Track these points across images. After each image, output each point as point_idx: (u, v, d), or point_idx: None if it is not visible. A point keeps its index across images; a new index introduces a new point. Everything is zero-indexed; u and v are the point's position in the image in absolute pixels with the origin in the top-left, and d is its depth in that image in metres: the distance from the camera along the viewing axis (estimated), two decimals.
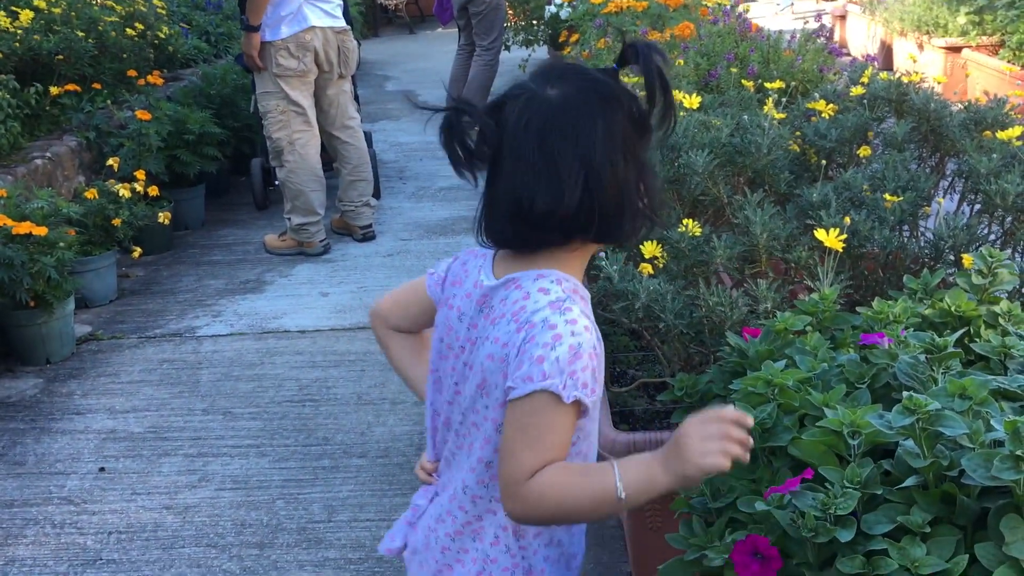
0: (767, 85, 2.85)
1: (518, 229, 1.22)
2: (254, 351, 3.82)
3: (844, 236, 1.93)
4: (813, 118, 2.74)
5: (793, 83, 3.27)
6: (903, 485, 1.21)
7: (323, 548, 2.60)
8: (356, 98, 5.25)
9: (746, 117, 2.47)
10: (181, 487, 2.92)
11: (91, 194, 4.10)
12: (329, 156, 4.99)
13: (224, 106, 5.56)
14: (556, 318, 1.18)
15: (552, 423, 1.17)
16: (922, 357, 1.43)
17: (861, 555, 1.15)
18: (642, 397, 2.61)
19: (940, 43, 7.28)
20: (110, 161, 4.35)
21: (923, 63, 7.07)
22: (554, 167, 1.17)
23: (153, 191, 4.32)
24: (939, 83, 2.92)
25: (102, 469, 3.03)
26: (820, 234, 1.93)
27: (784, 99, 3.08)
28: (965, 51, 7.04)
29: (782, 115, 2.67)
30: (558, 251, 1.24)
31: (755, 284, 2.00)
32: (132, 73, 5.08)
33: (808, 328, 1.73)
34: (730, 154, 2.34)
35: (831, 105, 2.76)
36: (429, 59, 10.30)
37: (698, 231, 2.07)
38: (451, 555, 1.34)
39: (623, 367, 2.65)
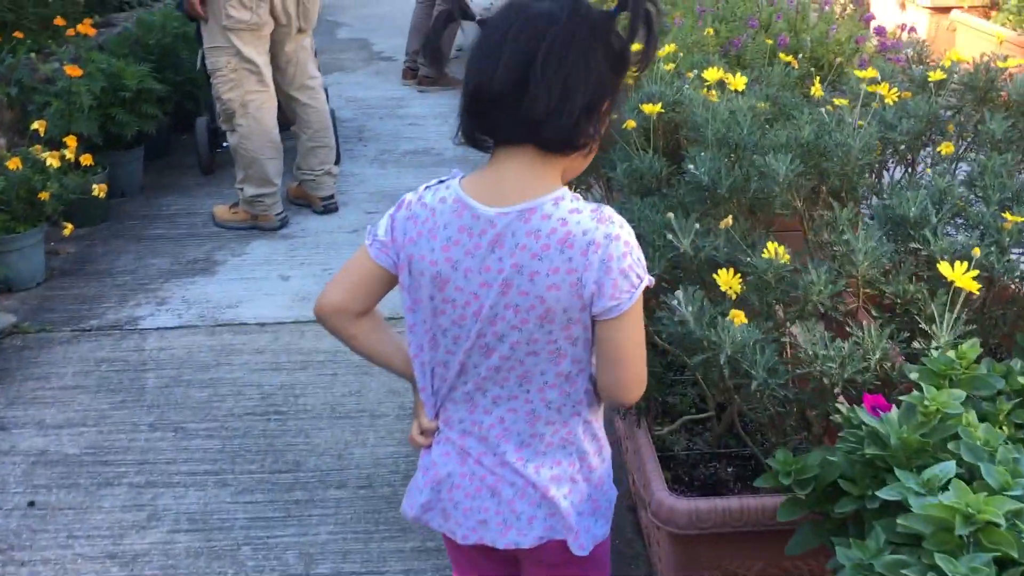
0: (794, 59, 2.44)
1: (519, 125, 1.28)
2: (207, 349, 3.35)
3: (975, 273, 1.55)
4: (874, 104, 2.35)
5: (837, 58, 2.87)
6: None
7: None
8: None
9: (824, 111, 2.07)
10: (127, 528, 2.48)
11: (14, 164, 3.55)
12: (286, 117, 4.47)
13: (164, 57, 4.97)
14: (612, 228, 1.29)
15: (642, 317, 1.36)
16: None
17: None
18: (679, 432, 2.23)
19: (926, 2, 6.93)
20: (35, 124, 3.78)
21: (905, 23, 6.72)
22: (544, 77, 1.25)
23: (86, 160, 3.77)
24: None
25: (31, 503, 2.57)
26: (946, 270, 1.55)
27: (829, 77, 2.69)
28: (954, 12, 6.71)
29: (843, 101, 2.27)
30: (542, 167, 1.31)
31: (855, 326, 1.61)
32: (60, 22, 4.47)
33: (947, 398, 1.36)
34: (810, 156, 1.93)
35: (893, 89, 2.37)
36: (383, 3, 9.65)
37: (786, 258, 1.68)
38: (542, 466, 1.43)
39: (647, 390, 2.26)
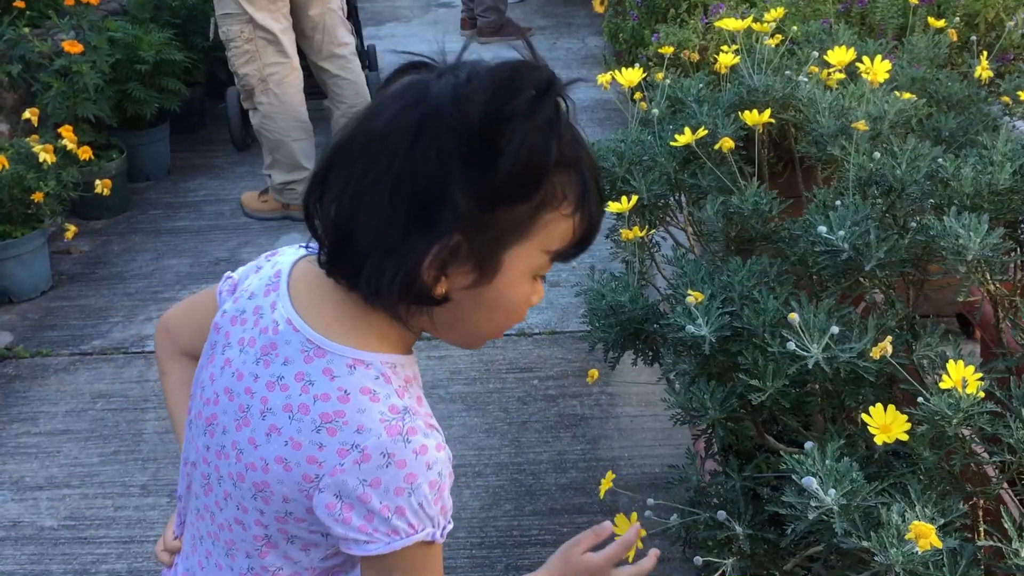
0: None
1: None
2: None
3: None
4: None
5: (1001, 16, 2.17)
6: None
7: None
8: (353, 11, 4.14)
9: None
10: None
11: (1, 162, 3.07)
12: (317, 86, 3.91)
13: (191, 21, 4.44)
14: (400, 450, 0.92)
15: (431, 566, 0.98)
16: None
17: None
18: None
19: None
20: (27, 114, 3.29)
21: None
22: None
23: (84, 153, 3.28)
24: None
25: None
26: None
27: (993, 43, 2.00)
28: None
29: None
30: (358, 305, 0.95)
31: None
32: None
33: None
34: (1007, 209, 1.29)
35: None
36: None
37: (976, 386, 1.06)
38: None
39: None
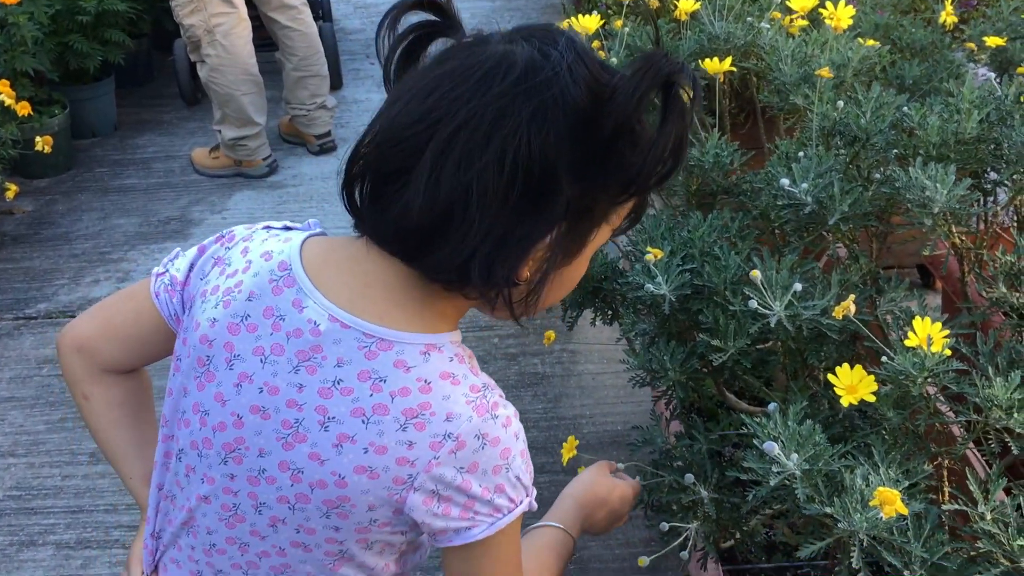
0: None
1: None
2: None
3: None
4: None
5: None
6: None
7: None
8: None
9: (990, 77, 1.37)
10: None
11: None
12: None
13: None
14: (492, 428, 0.87)
15: (518, 534, 0.95)
16: None
17: None
18: None
19: None
20: None
21: None
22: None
23: (23, 109, 3.14)
24: None
25: None
26: None
27: None
28: None
29: (998, 40, 1.56)
30: (423, 287, 0.87)
31: None
32: None
33: None
34: (972, 159, 1.25)
35: None
36: None
37: (942, 345, 1.03)
38: None
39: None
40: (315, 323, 0.87)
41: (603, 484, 1.21)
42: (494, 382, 0.92)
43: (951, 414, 1.12)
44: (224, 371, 0.90)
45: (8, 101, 3.15)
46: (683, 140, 0.84)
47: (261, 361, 0.89)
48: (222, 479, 0.93)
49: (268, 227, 0.98)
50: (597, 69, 0.82)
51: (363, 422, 0.85)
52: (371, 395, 0.85)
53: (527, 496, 0.92)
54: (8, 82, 3.16)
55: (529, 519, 1.14)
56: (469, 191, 0.79)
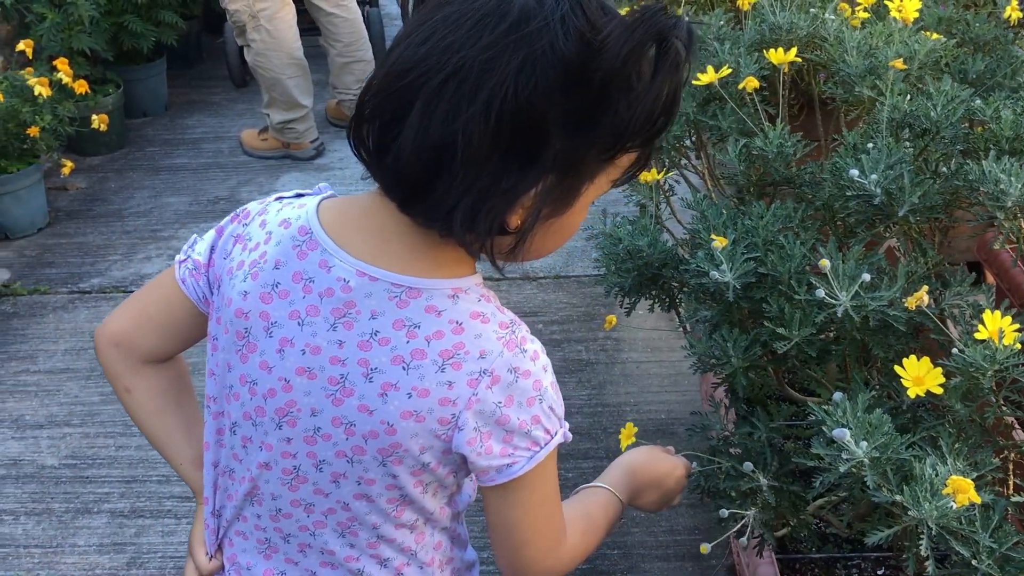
0: None
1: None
2: None
3: None
4: None
5: None
6: None
7: None
8: None
9: None
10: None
11: None
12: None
13: None
14: (522, 361, 0.91)
15: (555, 471, 0.98)
16: None
17: None
18: None
19: None
20: (21, 45, 3.21)
21: None
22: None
23: (81, 87, 3.20)
24: None
25: None
26: None
27: None
28: None
29: None
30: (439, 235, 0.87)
31: None
32: None
33: None
34: None
35: None
36: None
37: (1014, 338, 1.03)
38: None
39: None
40: (345, 280, 0.89)
41: (663, 464, 1.21)
42: (520, 319, 0.94)
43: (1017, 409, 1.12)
44: (265, 340, 0.92)
45: (66, 79, 3.21)
46: (676, 95, 0.83)
47: (299, 324, 0.91)
48: (279, 444, 0.95)
49: (280, 197, 1.00)
50: (596, 15, 0.80)
51: (404, 368, 0.88)
52: (407, 342, 0.88)
53: (560, 427, 0.95)
54: (66, 60, 3.21)
55: (580, 479, 1.16)
56: (455, 141, 0.80)
